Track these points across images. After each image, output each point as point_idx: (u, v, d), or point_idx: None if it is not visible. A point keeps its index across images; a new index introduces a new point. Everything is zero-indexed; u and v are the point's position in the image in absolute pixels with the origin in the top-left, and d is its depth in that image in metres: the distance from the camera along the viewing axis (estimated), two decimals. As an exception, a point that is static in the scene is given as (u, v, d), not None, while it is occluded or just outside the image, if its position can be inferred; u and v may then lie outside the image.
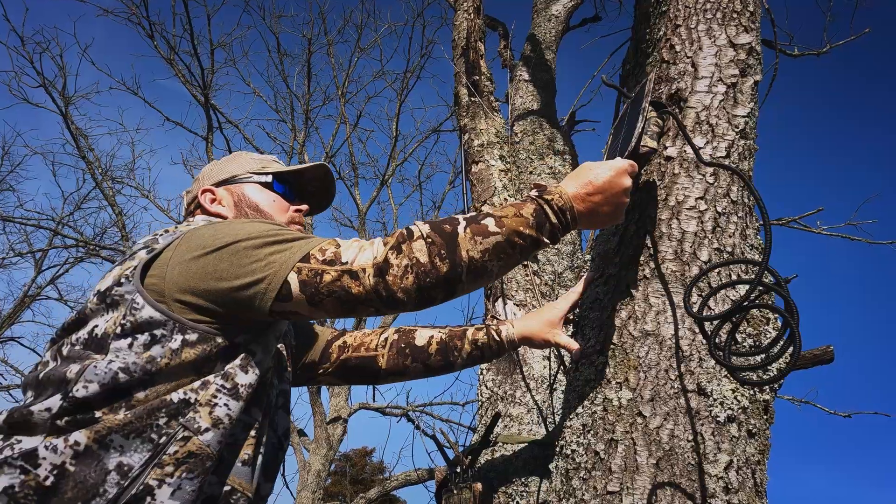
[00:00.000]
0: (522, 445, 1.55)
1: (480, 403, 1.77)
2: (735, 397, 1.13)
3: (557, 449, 1.24)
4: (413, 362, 1.26)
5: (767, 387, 1.18)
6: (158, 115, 8.29)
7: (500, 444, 1.58)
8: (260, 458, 0.93)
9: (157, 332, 0.84)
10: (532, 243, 0.92)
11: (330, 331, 1.30)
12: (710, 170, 1.27)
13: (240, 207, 1.11)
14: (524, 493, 1.47)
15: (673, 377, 1.15)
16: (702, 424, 1.11)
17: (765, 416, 1.17)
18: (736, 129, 1.30)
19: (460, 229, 0.88)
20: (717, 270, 1.21)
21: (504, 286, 1.93)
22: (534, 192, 0.97)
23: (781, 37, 4.17)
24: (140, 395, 0.83)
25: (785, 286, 0.93)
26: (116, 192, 8.18)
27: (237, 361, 0.89)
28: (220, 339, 0.87)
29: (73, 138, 7.45)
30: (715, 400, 1.12)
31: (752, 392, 1.15)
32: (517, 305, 1.88)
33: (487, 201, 2.21)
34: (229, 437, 0.88)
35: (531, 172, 3.07)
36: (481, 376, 1.83)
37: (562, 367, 1.56)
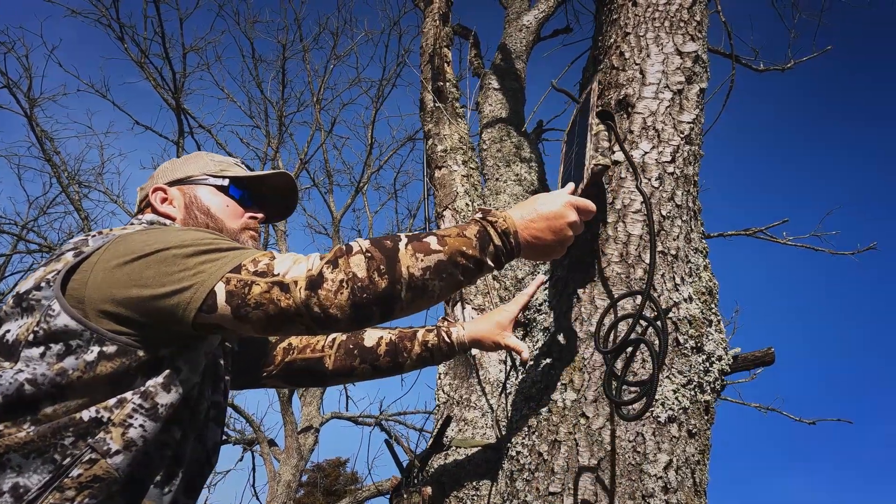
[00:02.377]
0: (476, 449, 1.54)
1: (438, 407, 1.76)
2: (676, 398, 1.14)
3: (504, 450, 1.24)
4: (361, 363, 1.25)
5: (709, 388, 1.20)
6: (128, 118, 8.13)
7: (454, 448, 1.57)
8: (179, 476, 0.89)
9: (73, 343, 0.79)
10: (475, 265, 0.89)
11: None
12: (656, 173, 1.29)
13: (190, 210, 1.07)
14: (475, 497, 1.46)
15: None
16: (643, 425, 1.12)
17: (706, 417, 1.18)
18: (681, 135, 1.33)
19: (401, 245, 0.84)
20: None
21: (462, 290, 1.93)
22: (478, 215, 0.95)
23: (747, 52, 4.27)
24: (48, 409, 0.78)
25: (663, 319, 1.00)
26: (83, 197, 8.00)
27: (160, 379, 0.83)
28: (141, 353, 0.82)
29: (39, 141, 7.27)
30: (656, 401, 1.13)
31: (693, 393, 1.16)
32: (475, 310, 1.88)
33: (449, 206, 2.22)
34: (143, 458, 0.83)
35: (497, 179, 3.09)
36: (439, 381, 1.82)
37: (514, 371, 1.56)
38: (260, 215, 1.13)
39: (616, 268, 1.24)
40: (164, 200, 1.07)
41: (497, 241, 0.91)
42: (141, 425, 0.81)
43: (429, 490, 1.40)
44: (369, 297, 0.80)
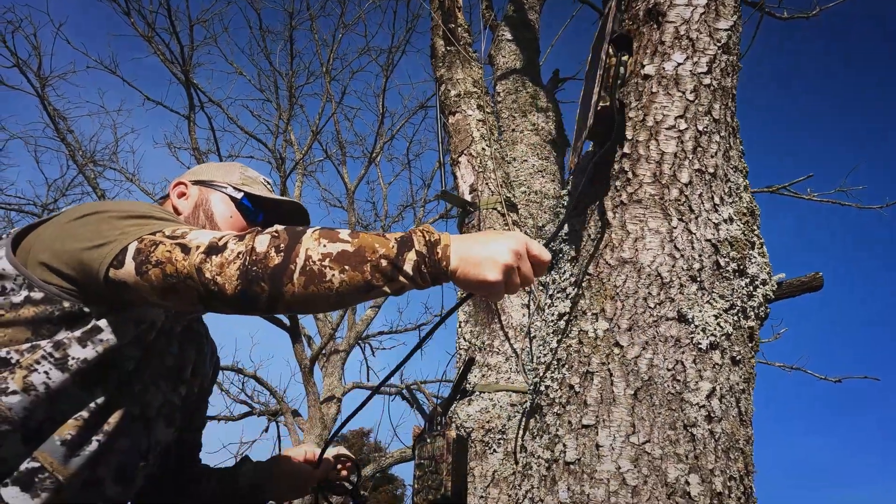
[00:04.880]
0: (500, 394, 1.48)
1: (459, 356, 1.70)
2: (718, 324, 1.06)
3: (531, 386, 1.17)
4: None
5: (753, 314, 1.11)
6: (139, 94, 8.05)
7: (478, 393, 1.51)
8: (95, 445, 0.87)
9: (7, 285, 0.84)
10: (390, 266, 0.76)
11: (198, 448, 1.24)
12: (691, 86, 1.18)
13: (197, 209, 1.11)
14: (501, 441, 1.40)
15: (652, 305, 1.07)
16: (682, 352, 1.04)
17: (750, 344, 1.10)
18: (718, 44, 1.21)
19: (310, 231, 0.80)
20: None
21: (482, 236, 1.86)
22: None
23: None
24: None
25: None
26: (98, 175, 8.02)
27: (76, 333, 0.85)
28: (66, 304, 0.85)
29: (52, 120, 7.25)
30: (696, 327, 1.05)
31: (735, 318, 1.08)
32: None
33: (465, 152, 2.12)
34: (51, 410, 0.84)
35: (514, 130, 2.97)
36: (460, 329, 1.76)
37: (538, 310, 1.49)
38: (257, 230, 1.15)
39: (649, 189, 1.14)
40: (181, 195, 1.12)
41: (420, 247, 0.77)
42: (45, 372, 0.83)
43: (453, 433, 1.34)
44: (258, 271, 0.76)
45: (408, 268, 0.77)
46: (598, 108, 1.15)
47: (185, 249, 0.78)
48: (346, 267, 0.76)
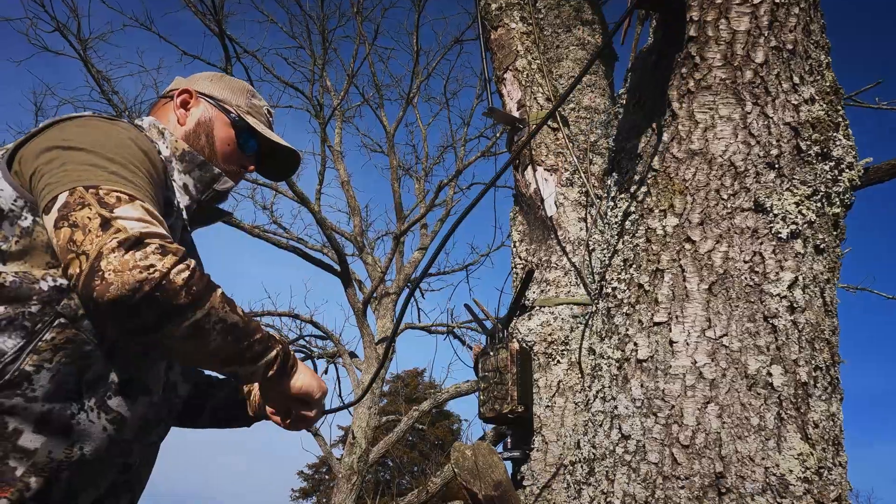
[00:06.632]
0: (561, 307, 1.46)
1: (515, 275, 1.67)
2: (800, 211, 0.98)
3: (596, 290, 1.14)
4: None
5: (838, 200, 1.03)
6: (176, 50, 8.08)
7: (538, 307, 1.49)
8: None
9: (11, 209, 0.82)
10: (262, 347, 0.86)
11: None
12: (765, -47, 1.06)
13: (199, 127, 1.07)
14: (564, 352, 1.39)
15: (725, 197, 1.01)
16: (761, 243, 0.98)
17: (835, 233, 1.02)
18: None
19: (219, 291, 0.81)
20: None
21: (533, 152, 1.79)
22: None
23: None
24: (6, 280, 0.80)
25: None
26: (146, 135, 8.19)
27: None
28: None
29: (97, 82, 7.41)
30: (776, 216, 0.98)
31: (819, 205, 1.00)
32: (548, 171, 1.73)
33: (510, 67, 2.03)
34: None
35: (558, 47, 2.83)
36: (514, 248, 1.73)
37: (598, 219, 1.43)
38: (251, 167, 1.14)
39: (719, 73, 1.05)
40: (185, 104, 1.07)
41: (281, 342, 0.89)
42: None
43: (516, 345, 1.33)
44: (158, 297, 0.72)
45: (273, 352, 0.87)
46: None
47: (105, 225, 0.74)
48: (230, 337, 0.81)
